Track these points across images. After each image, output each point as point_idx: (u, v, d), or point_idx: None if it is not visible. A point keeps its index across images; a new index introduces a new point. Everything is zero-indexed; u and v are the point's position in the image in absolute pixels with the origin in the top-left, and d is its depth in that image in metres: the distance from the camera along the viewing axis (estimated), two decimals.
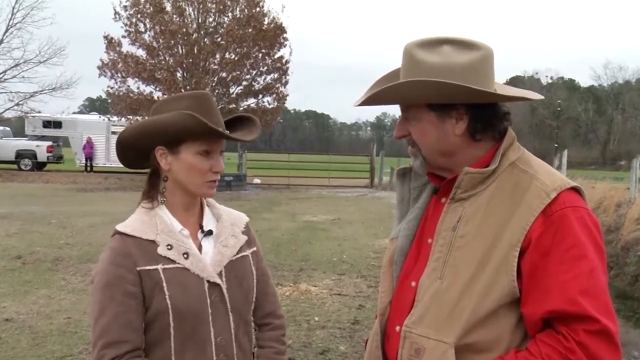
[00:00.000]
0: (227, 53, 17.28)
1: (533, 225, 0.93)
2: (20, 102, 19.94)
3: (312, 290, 4.97)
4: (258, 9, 17.48)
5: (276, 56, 18.09)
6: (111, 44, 17.16)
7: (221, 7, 17.27)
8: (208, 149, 1.15)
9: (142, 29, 17.11)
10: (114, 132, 20.54)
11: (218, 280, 1.16)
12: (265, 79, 18.28)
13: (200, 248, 1.19)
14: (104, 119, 20.38)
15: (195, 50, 16.97)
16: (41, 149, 21.23)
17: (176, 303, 1.11)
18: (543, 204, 0.93)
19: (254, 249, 1.28)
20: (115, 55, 17.18)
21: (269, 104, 18.56)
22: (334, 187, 18.14)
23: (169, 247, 1.13)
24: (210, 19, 17.60)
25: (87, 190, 14.82)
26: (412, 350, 0.98)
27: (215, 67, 17.27)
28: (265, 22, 17.55)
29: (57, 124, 22.03)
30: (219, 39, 17.33)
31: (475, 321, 0.94)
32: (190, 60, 17.04)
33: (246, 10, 17.36)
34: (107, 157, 21.49)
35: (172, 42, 16.81)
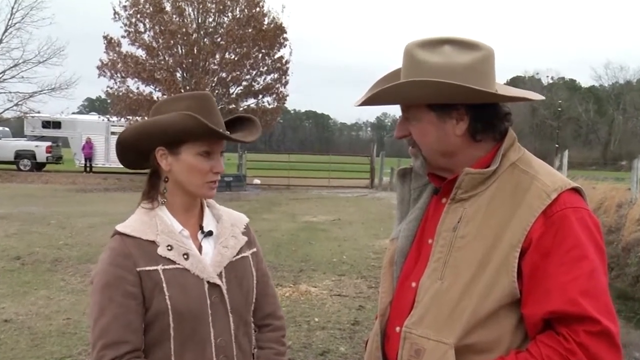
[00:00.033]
0: (227, 53, 17.27)
1: (534, 225, 0.92)
2: (19, 103, 19.93)
3: (312, 291, 4.96)
4: (258, 9, 17.47)
5: (276, 56, 18.09)
6: (111, 44, 17.15)
7: (221, 7, 17.26)
8: (208, 149, 1.15)
9: (142, 29, 17.11)
10: (113, 133, 20.53)
11: (218, 281, 1.16)
12: (265, 79, 18.30)
13: (200, 249, 1.19)
14: (103, 119, 20.37)
15: (195, 50, 16.97)
16: (40, 149, 21.21)
17: (176, 304, 1.10)
18: (544, 204, 0.93)
19: (254, 249, 1.28)
20: (115, 55, 17.17)
21: (269, 104, 18.56)
22: (334, 188, 18.14)
23: (169, 247, 1.13)
24: (210, 19, 17.60)
25: (87, 191, 14.82)
26: (412, 351, 0.98)
27: (215, 67, 17.27)
28: (265, 22, 17.55)
29: (57, 125, 22.01)
30: (218, 39, 17.32)
31: (475, 322, 0.94)
32: (190, 60, 17.03)
33: (246, 10, 17.36)
34: (107, 157, 21.47)
35: (172, 42, 16.79)
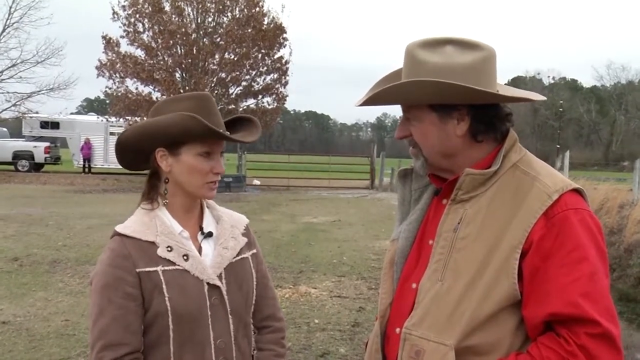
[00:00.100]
0: (226, 53, 17.26)
1: (534, 227, 0.92)
2: (17, 103, 19.90)
3: (312, 293, 4.95)
4: (257, 8, 17.46)
5: (276, 56, 18.08)
6: (109, 44, 17.13)
7: (220, 7, 17.25)
8: (209, 150, 1.15)
9: (141, 29, 17.10)
10: (112, 133, 20.51)
11: (218, 283, 1.15)
12: (264, 79, 18.29)
13: (200, 250, 1.18)
14: (102, 120, 20.34)
15: (194, 50, 16.96)
16: (39, 150, 21.16)
17: (175, 305, 1.10)
18: (545, 206, 0.93)
19: (254, 251, 1.28)
20: (114, 55, 17.15)
21: (269, 105, 18.55)
22: (334, 189, 18.13)
23: (169, 248, 1.13)
24: (210, 19, 17.59)
25: (85, 192, 14.79)
26: (412, 352, 0.97)
27: (215, 67, 17.25)
28: (265, 22, 17.54)
29: (55, 125, 21.97)
30: (218, 39, 17.31)
31: (475, 323, 0.93)
32: (189, 60, 17.02)
33: (245, 10, 17.35)
34: (106, 158, 21.43)
35: (171, 42, 16.78)
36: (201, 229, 1.21)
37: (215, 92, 17.00)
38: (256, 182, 18.57)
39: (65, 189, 15.21)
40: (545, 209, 0.92)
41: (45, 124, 21.86)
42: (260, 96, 18.46)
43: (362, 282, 5.46)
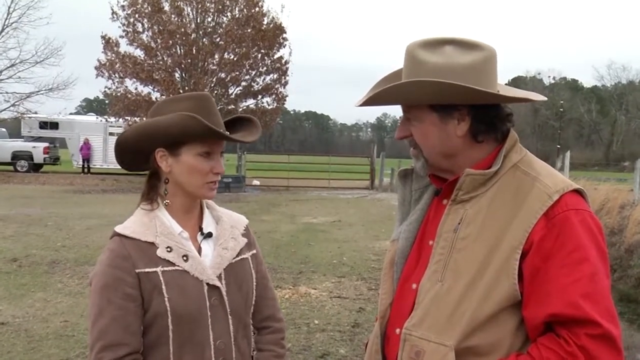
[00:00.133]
0: (226, 53, 17.24)
1: (535, 227, 0.92)
2: (16, 103, 19.87)
3: (311, 293, 4.94)
4: (257, 8, 17.45)
5: (275, 56, 18.06)
6: (109, 44, 17.11)
7: (220, 6, 17.24)
8: (209, 150, 1.14)
9: (140, 29, 17.08)
10: (111, 133, 20.49)
11: (217, 283, 1.15)
12: (264, 79, 18.27)
13: (199, 250, 1.18)
14: (101, 120, 20.32)
15: (194, 50, 16.94)
16: (38, 150, 21.13)
17: (175, 306, 1.10)
18: (545, 206, 0.93)
19: (254, 251, 1.27)
20: (113, 55, 17.13)
21: (269, 105, 18.54)
22: (334, 189, 18.13)
23: (169, 249, 1.13)
24: (209, 19, 17.58)
25: (84, 192, 14.77)
26: (412, 353, 0.97)
27: (214, 67, 17.23)
28: (265, 22, 17.53)
29: (54, 125, 21.95)
30: (217, 39, 17.30)
31: (476, 324, 0.93)
32: (189, 60, 17.01)
33: (245, 10, 17.34)
34: (105, 158, 21.41)
35: (171, 42, 16.76)
36: (201, 229, 1.20)
37: (215, 92, 16.99)
38: (256, 182, 18.56)
39: (64, 190, 15.19)
40: (546, 209, 0.92)
41: (44, 124, 21.84)
42: (260, 96, 18.45)
43: (362, 282, 5.45)
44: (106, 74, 17.07)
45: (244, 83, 18.01)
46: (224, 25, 17.38)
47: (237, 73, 17.50)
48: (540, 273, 0.91)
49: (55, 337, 3.69)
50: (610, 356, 0.88)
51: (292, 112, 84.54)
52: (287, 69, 18.21)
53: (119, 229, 1.14)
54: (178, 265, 1.12)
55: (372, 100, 1.01)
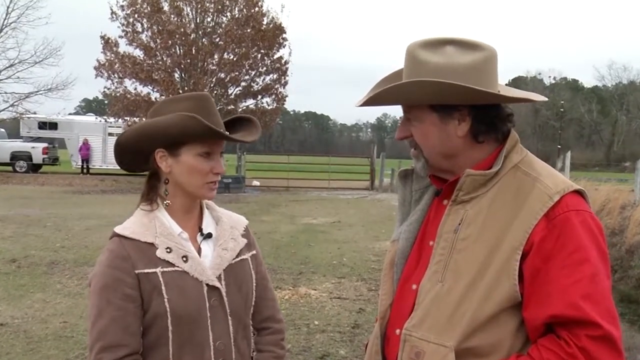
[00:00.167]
0: (225, 53, 17.24)
1: (535, 228, 0.92)
2: (15, 103, 19.84)
3: (311, 294, 4.93)
4: (257, 8, 17.44)
5: (275, 57, 18.06)
6: (108, 44, 17.09)
7: (219, 6, 17.23)
8: (209, 150, 1.14)
9: (140, 29, 17.06)
10: (110, 134, 20.48)
11: (217, 284, 1.15)
12: (264, 79, 18.26)
13: (199, 251, 1.18)
14: (100, 120, 20.31)
15: (193, 50, 16.93)
16: (37, 150, 21.10)
17: (175, 307, 1.10)
18: (546, 207, 0.93)
19: (254, 252, 1.27)
20: (112, 55, 17.11)
21: (268, 105, 18.53)
22: (334, 189, 18.13)
23: (168, 250, 1.13)
24: (209, 19, 17.57)
25: (84, 193, 14.76)
26: (412, 354, 0.97)
27: (214, 67, 17.22)
28: (264, 22, 17.52)
29: (53, 125, 21.92)
30: (217, 39, 17.29)
31: (476, 325, 0.93)
32: (188, 60, 17.00)
33: (245, 10, 17.33)
34: (104, 159, 21.39)
35: (170, 42, 16.75)
36: (200, 230, 1.20)
37: (215, 92, 16.97)
38: (255, 183, 18.55)
39: (63, 190, 15.17)
40: (547, 210, 0.92)
41: (43, 125, 21.81)
42: (259, 96, 18.43)
43: (362, 283, 5.44)
44: (105, 74, 17.06)
45: (243, 83, 18.00)
46: (223, 25, 17.38)
47: (237, 73, 17.49)
48: (541, 274, 0.91)
49: (54, 338, 3.68)
50: (611, 357, 0.88)
51: (291, 113, 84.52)
52: (286, 69, 18.21)
53: (118, 229, 1.14)
54: (178, 266, 1.12)
55: (373, 100, 1.01)
